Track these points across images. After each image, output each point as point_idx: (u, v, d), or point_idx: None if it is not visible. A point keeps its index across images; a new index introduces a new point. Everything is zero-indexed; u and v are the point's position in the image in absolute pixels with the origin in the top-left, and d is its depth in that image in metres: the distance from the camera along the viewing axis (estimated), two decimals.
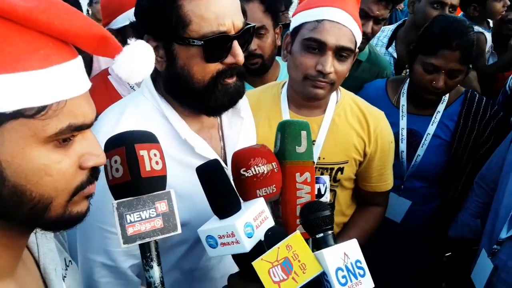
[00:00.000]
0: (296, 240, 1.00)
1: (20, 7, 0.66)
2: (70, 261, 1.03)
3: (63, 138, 0.73)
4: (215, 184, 1.09)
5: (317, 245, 1.04)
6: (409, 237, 2.32)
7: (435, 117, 2.22)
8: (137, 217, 0.92)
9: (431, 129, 2.21)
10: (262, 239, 1.02)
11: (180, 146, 1.27)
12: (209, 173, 1.10)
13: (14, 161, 0.69)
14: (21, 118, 0.68)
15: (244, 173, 1.11)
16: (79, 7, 1.58)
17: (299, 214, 1.15)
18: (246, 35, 1.24)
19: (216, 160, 1.16)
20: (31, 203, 0.73)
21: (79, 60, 0.77)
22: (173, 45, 1.20)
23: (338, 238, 1.95)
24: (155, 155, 0.95)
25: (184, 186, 1.18)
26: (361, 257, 1.05)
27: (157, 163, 0.95)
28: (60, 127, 0.71)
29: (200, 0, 1.15)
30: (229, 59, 1.20)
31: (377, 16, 2.38)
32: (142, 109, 1.28)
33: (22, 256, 0.84)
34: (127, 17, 1.85)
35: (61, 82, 0.72)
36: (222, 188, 1.08)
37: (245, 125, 1.47)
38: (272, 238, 1.00)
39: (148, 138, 0.98)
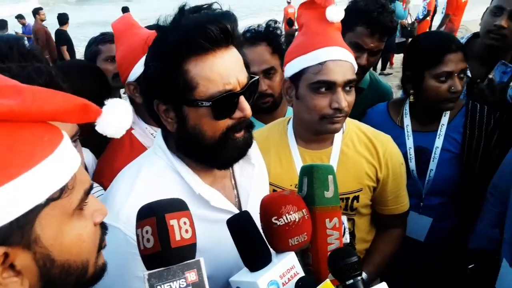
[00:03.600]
0: None
1: (14, 105, 0.69)
2: None
3: (83, 205, 0.82)
4: (244, 237, 1.10)
5: None
6: (432, 254, 2.33)
7: (440, 130, 2.25)
8: None
9: (439, 142, 2.24)
10: None
11: (196, 201, 1.28)
12: (239, 226, 1.11)
13: (57, 241, 0.76)
14: (51, 202, 0.74)
15: (276, 221, 1.10)
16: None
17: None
18: (251, 88, 1.27)
19: (246, 212, 1.16)
20: (77, 271, 0.81)
21: (66, 134, 0.83)
22: (183, 107, 1.23)
23: (363, 265, 1.98)
24: (184, 223, 0.97)
25: (203, 240, 1.18)
26: None
27: (186, 231, 0.96)
28: (79, 197, 0.80)
29: (204, 63, 1.19)
30: (237, 114, 1.24)
31: (371, 48, 2.38)
32: (155, 168, 1.31)
33: None
34: (141, 65, 1.85)
35: (67, 159, 0.79)
36: (252, 241, 1.09)
37: (256, 171, 1.49)
38: None
39: (178, 206, 0.99)
